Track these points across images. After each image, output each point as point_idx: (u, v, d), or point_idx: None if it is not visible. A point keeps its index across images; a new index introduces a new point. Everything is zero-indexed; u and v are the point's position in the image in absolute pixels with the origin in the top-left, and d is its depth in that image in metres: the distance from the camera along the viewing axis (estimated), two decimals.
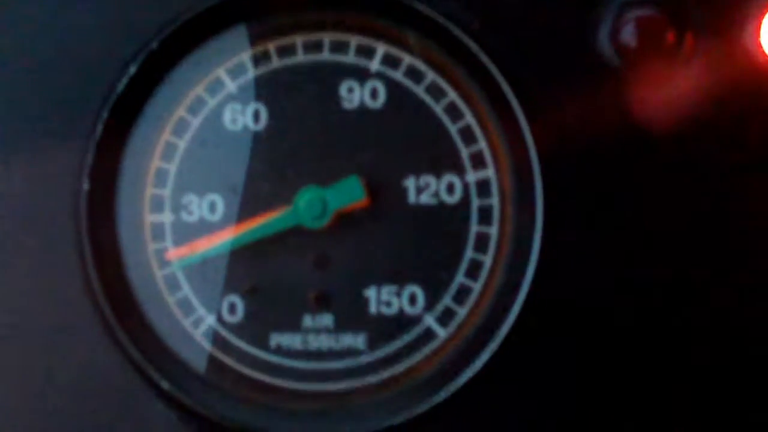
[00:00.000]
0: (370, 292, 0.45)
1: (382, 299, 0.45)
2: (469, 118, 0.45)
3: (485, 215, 0.45)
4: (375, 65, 0.46)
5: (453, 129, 0.46)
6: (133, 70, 0.45)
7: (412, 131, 0.46)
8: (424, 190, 0.45)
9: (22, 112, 0.45)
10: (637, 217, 0.44)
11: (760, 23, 0.43)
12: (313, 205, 0.45)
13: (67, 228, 0.45)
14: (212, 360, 0.46)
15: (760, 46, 0.43)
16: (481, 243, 0.45)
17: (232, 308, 0.46)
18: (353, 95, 0.46)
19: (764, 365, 0.44)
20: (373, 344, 0.45)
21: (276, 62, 0.46)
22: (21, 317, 0.45)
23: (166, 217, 0.46)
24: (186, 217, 0.46)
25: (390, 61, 0.46)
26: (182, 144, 0.46)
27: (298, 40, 0.46)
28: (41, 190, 0.45)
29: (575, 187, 0.44)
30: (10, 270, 0.45)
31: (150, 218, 0.46)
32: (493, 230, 0.45)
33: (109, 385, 0.45)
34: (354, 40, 0.46)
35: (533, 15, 0.44)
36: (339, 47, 0.46)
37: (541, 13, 0.44)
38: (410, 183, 0.45)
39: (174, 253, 0.46)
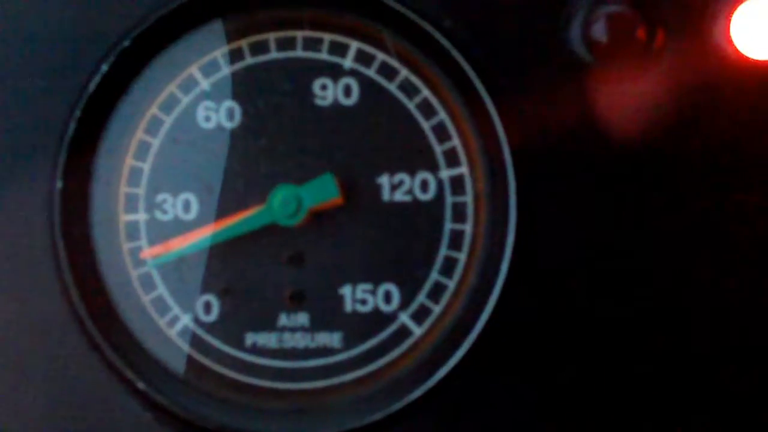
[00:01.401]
0: (345, 290, 0.45)
1: (357, 297, 0.45)
2: (443, 115, 0.45)
3: (459, 212, 0.45)
4: (348, 62, 0.46)
5: (426, 126, 0.45)
6: (105, 68, 0.45)
7: (386, 128, 0.46)
8: (398, 187, 0.45)
9: None
10: (610, 213, 0.44)
11: (731, 18, 0.43)
12: (287, 202, 0.45)
13: (41, 227, 0.45)
14: (188, 360, 0.46)
15: (731, 41, 0.43)
16: (456, 240, 0.45)
17: (207, 307, 0.46)
18: (327, 92, 0.46)
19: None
20: (348, 342, 0.45)
21: (249, 59, 0.46)
22: None
23: (141, 216, 0.46)
24: (160, 216, 0.46)
25: (363, 58, 0.46)
26: (156, 142, 0.46)
27: (272, 37, 0.46)
28: (15, 188, 0.45)
29: (548, 183, 0.44)
30: None
31: (124, 217, 0.46)
32: (467, 227, 0.45)
33: (85, 385, 0.45)
34: (327, 37, 0.46)
35: (506, 12, 0.44)
36: (312, 44, 0.46)
37: (514, 10, 0.44)
38: (384, 180, 0.45)
39: (149, 252, 0.46)
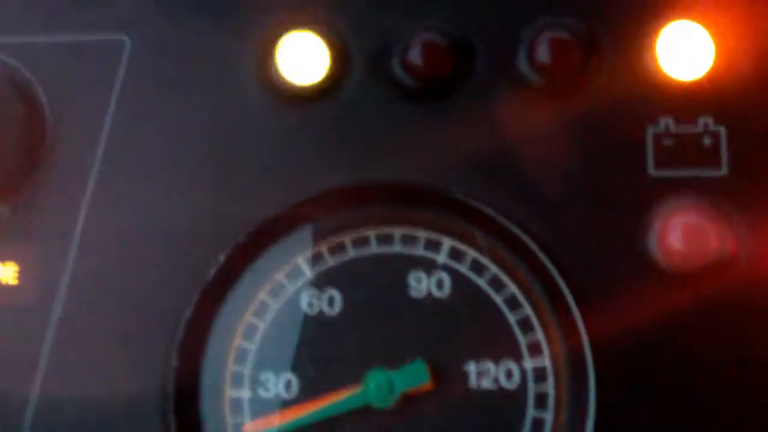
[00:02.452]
0: None
1: None
2: (527, 309, 0.49)
3: (541, 401, 0.48)
4: (442, 258, 0.50)
5: (512, 319, 0.49)
6: (222, 258, 0.49)
7: (474, 320, 0.49)
8: (485, 375, 0.49)
9: (122, 292, 0.50)
10: (687, 407, 0.46)
11: (655, 43, 0.48)
12: (381, 386, 0.48)
13: (155, 402, 0.49)
14: None
15: (657, 63, 0.48)
16: (537, 428, 0.48)
17: None
18: (421, 285, 0.50)
19: None
20: None
21: (351, 253, 0.50)
22: None
23: (245, 393, 0.50)
24: (263, 393, 0.50)
25: (456, 254, 0.50)
26: (262, 325, 0.50)
27: (371, 233, 0.51)
28: (134, 365, 0.49)
29: (626, 376, 0.46)
30: None
31: (230, 393, 0.50)
32: (549, 415, 0.48)
33: None
34: (423, 234, 0.50)
35: (590, 216, 0.48)
36: (409, 240, 0.50)
37: (595, 216, 0.48)
38: (471, 368, 0.49)
39: (251, 427, 0.50)
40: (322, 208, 0.50)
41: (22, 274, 0.50)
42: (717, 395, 0.46)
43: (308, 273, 0.51)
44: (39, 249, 0.50)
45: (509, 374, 0.49)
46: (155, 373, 0.49)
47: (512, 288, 0.49)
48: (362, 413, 0.49)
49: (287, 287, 0.51)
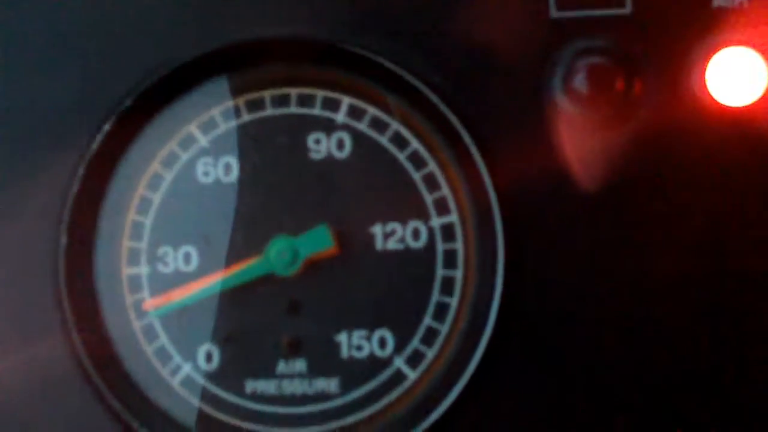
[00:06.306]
0: (342, 337, 0.47)
1: (353, 343, 0.47)
2: (432, 166, 0.47)
3: (450, 259, 0.47)
4: (341, 117, 0.48)
5: (417, 176, 0.47)
6: (107, 127, 0.47)
7: (378, 180, 0.47)
8: (391, 236, 0.47)
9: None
10: (592, 256, 0.45)
11: (706, 68, 0.45)
12: (283, 253, 0.46)
13: (46, 282, 0.46)
14: (190, 408, 0.47)
15: (707, 89, 0.45)
16: (447, 286, 0.47)
17: (208, 356, 0.47)
18: (320, 146, 0.48)
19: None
20: (345, 387, 0.47)
21: (245, 116, 0.48)
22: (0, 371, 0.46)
23: (143, 269, 0.48)
24: (162, 269, 0.48)
25: (355, 112, 0.48)
26: (157, 198, 0.48)
27: (267, 94, 0.48)
28: (20, 245, 0.46)
29: (534, 229, 0.45)
30: None
31: (127, 270, 0.48)
32: (458, 273, 0.47)
33: None
34: (320, 94, 0.48)
35: (490, 64, 0.46)
36: (306, 101, 0.48)
37: (498, 62, 0.46)
38: (377, 230, 0.47)
39: (151, 303, 0.48)
40: (212, 69, 0.48)
41: None
42: (624, 236, 0.45)
43: (202, 140, 0.48)
44: None
45: (416, 234, 0.47)
46: (43, 253, 0.46)
47: (415, 144, 0.47)
48: (267, 283, 0.47)
49: (180, 156, 0.48)
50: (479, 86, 0.46)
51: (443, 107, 0.46)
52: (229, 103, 0.48)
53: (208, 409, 0.47)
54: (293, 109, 0.48)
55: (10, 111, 0.47)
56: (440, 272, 0.47)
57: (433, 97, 0.46)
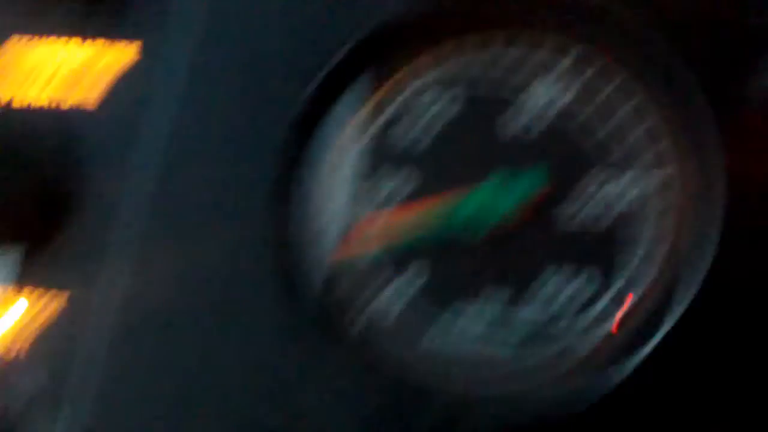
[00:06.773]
0: (548, 272, 0.48)
1: (559, 278, 0.48)
2: (656, 119, 0.48)
3: (666, 209, 0.48)
4: (566, 63, 0.50)
5: (640, 128, 0.48)
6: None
7: (599, 128, 0.49)
8: (607, 182, 0.48)
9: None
10: None
11: None
12: (503, 189, 0.48)
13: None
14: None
15: None
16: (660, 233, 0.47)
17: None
18: (544, 91, 0.50)
19: None
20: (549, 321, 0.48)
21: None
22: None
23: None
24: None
25: (582, 61, 0.50)
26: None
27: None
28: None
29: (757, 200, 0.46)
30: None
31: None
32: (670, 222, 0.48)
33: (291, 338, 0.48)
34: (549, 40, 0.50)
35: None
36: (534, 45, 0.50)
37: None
38: (594, 175, 0.48)
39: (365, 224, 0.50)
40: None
41: None
42: None
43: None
44: None
45: (633, 182, 0.48)
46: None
47: (640, 96, 0.49)
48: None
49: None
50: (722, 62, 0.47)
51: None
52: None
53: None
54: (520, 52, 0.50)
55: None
56: (653, 220, 0.48)
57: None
